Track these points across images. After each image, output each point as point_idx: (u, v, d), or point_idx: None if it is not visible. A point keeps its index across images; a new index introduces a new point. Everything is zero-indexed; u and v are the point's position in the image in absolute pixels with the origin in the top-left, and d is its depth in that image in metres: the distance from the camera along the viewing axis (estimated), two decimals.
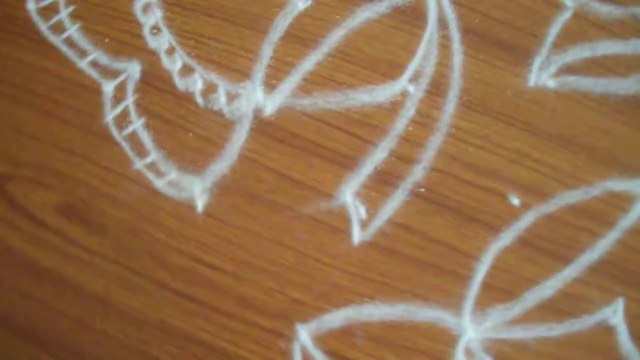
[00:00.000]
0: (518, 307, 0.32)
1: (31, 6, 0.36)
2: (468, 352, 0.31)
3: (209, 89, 0.34)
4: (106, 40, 0.35)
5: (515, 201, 0.33)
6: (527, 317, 0.32)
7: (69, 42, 0.35)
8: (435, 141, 0.33)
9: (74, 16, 0.35)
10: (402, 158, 0.33)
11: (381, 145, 0.33)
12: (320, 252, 0.32)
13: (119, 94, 0.34)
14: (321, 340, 0.31)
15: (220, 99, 0.34)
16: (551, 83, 0.35)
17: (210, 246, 0.33)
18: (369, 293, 0.32)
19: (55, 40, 0.35)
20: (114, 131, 0.34)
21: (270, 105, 0.34)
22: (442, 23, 0.35)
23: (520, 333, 0.32)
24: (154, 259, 0.33)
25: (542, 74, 0.35)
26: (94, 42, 0.35)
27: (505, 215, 0.33)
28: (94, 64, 0.35)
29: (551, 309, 0.32)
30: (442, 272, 0.32)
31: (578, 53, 0.36)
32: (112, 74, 0.35)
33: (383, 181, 0.33)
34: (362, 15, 0.35)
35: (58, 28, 0.35)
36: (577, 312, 0.32)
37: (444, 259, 0.32)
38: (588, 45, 0.36)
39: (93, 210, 0.33)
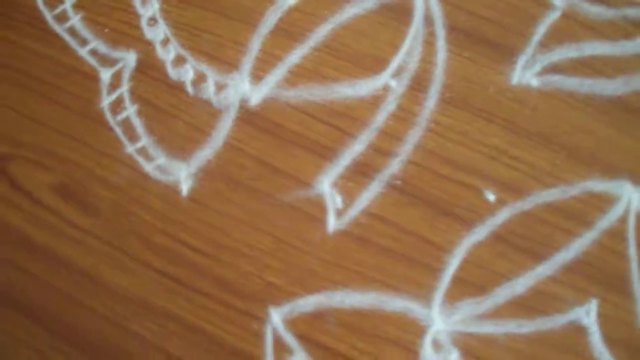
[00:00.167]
0: (488, 302, 0.32)
1: None
2: (436, 343, 0.32)
3: (199, 78, 0.36)
4: (106, 30, 0.37)
5: (491, 197, 0.33)
6: (498, 313, 0.32)
7: (71, 31, 0.37)
8: (414, 135, 0.34)
9: (77, 6, 0.37)
10: (381, 151, 0.34)
11: (361, 138, 0.34)
12: (296, 239, 0.33)
13: (115, 82, 0.36)
14: (293, 323, 0.32)
15: (209, 89, 0.35)
16: (535, 82, 0.35)
17: (193, 229, 0.34)
18: (341, 280, 0.33)
19: (59, 29, 0.37)
20: (109, 116, 0.36)
21: (256, 96, 0.35)
22: (429, 20, 0.36)
23: (489, 328, 0.32)
24: (140, 239, 0.34)
25: (526, 73, 0.35)
26: (95, 31, 0.37)
27: (481, 210, 0.33)
28: (94, 52, 0.37)
29: (522, 306, 0.32)
30: (414, 263, 0.33)
31: (565, 53, 0.36)
32: (109, 62, 0.37)
33: (361, 172, 0.34)
34: (350, 11, 0.36)
35: (62, 17, 0.37)
36: (549, 311, 0.32)
37: (417, 250, 0.33)
38: (575, 46, 0.36)
39: (87, 191, 0.35)
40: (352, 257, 0.33)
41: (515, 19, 0.36)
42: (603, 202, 0.34)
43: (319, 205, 0.34)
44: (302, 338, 0.32)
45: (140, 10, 0.37)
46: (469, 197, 0.33)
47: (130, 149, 0.35)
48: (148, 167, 0.35)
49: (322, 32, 0.36)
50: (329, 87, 0.35)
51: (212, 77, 0.36)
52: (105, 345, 0.33)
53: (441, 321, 0.32)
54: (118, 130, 0.35)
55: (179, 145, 0.35)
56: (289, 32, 0.36)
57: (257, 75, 0.36)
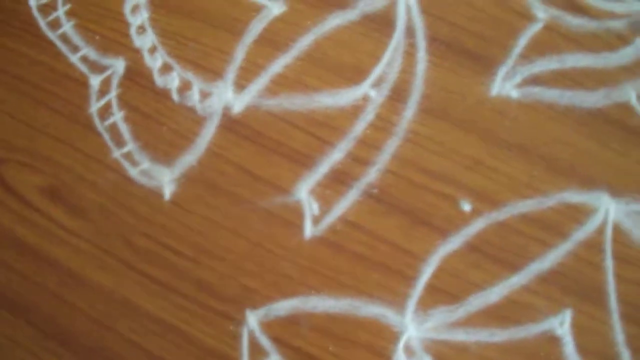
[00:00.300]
0: (461, 311, 0.33)
1: (32, 2, 0.39)
2: (408, 349, 0.33)
3: (185, 86, 0.37)
4: (97, 37, 0.38)
5: (467, 207, 0.34)
6: (470, 321, 0.33)
7: (64, 37, 0.38)
8: (392, 145, 0.35)
9: (70, 14, 0.39)
10: (359, 159, 0.35)
11: (339, 147, 0.35)
12: (273, 244, 0.34)
13: (104, 88, 0.37)
14: (268, 326, 0.33)
15: (194, 97, 0.36)
16: (515, 93, 0.36)
17: (174, 232, 0.35)
18: (316, 286, 0.33)
19: (52, 35, 0.38)
20: (97, 122, 0.37)
21: (239, 104, 0.36)
22: (410, 31, 0.36)
23: (461, 336, 0.33)
24: (123, 241, 0.35)
25: (505, 84, 0.36)
26: (86, 38, 0.38)
27: (456, 220, 0.34)
28: (84, 59, 0.38)
29: (495, 315, 0.33)
30: (389, 271, 0.33)
31: (546, 64, 0.36)
32: (99, 69, 0.38)
33: (338, 180, 0.35)
34: (333, 22, 0.37)
35: (55, 24, 0.39)
36: (522, 320, 0.33)
37: (391, 258, 0.33)
38: (557, 57, 0.36)
39: (74, 194, 0.36)
40: (327, 263, 0.34)
41: (497, 31, 0.36)
42: (580, 213, 0.34)
43: (297, 212, 0.34)
44: (277, 341, 0.33)
45: (130, 18, 0.38)
46: (445, 206, 0.34)
47: (116, 153, 0.36)
48: (133, 172, 0.36)
49: (305, 42, 0.36)
50: (310, 96, 0.36)
51: (197, 85, 0.37)
52: (93, 345, 0.34)
53: (414, 328, 0.33)
54: (106, 136, 0.37)
55: (164, 150, 0.36)
56: (272, 41, 0.37)
57: (241, 84, 0.36)
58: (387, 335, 0.33)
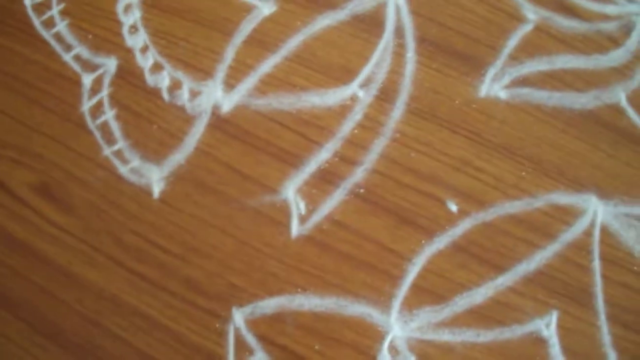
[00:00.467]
0: (447, 311, 0.33)
1: (27, 1, 0.39)
2: (393, 349, 0.33)
3: (175, 85, 0.37)
4: (89, 36, 0.39)
5: (453, 207, 0.34)
6: (456, 321, 0.33)
7: (57, 36, 0.39)
8: (379, 145, 0.35)
9: (64, 13, 0.39)
10: (346, 159, 0.35)
11: (326, 146, 0.35)
12: (260, 242, 0.34)
13: (96, 87, 0.38)
14: (254, 324, 0.33)
15: (184, 96, 0.37)
16: (503, 94, 0.36)
17: (162, 230, 0.35)
18: (302, 284, 0.33)
19: (46, 34, 0.39)
20: (89, 120, 0.37)
21: (228, 103, 0.36)
22: (399, 32, 0.36)
23: (447, 336, 0.33)
24: (112, 238, 0.35)
25: (494, 85, 0.36)
26: (79, 37, 0.39)
27: (442, 220, 0.34)
28: (77, 58, 0.38)
29: (481, 316, 0.33)
30: (375, 270, 0.33)
31: (535, 66, 0.36)
32: (91, 68, 0.38)
33: (325, 180, 0.35)
34: (323, 22, 0.37)
35: (49, 23, 0.39)
36: (508, 321, 0.33)
37: (377, 257, 0.34)
38: (547, 59, 0.36)
39: (65, 191, 0.37)
40: (313, 262, 0.34)
41: (486, 32, 0.36)
42: (568, 215, 0.34)
43: (284, 211, 0.35)
44: (263, 339, 0.33)
45: (123, 18, 0.38)
46: (431, 206, 0.34)
47: (107, 151, 0.37)
48: (123, 170, 0.36)
49: (294, 42, 0.37)
50: (298, 96, 0.36)
51: (187, 84, 0.37)
52: (81, 340, 0.35)
53: (399, 328, 0.33)
54: (97, 134, 0.37)
55: (153, 149, 0.36)
56: (262, 42, 0.37)
57: (230, 84, 0.37)
58: (372, 335, 0.33)
